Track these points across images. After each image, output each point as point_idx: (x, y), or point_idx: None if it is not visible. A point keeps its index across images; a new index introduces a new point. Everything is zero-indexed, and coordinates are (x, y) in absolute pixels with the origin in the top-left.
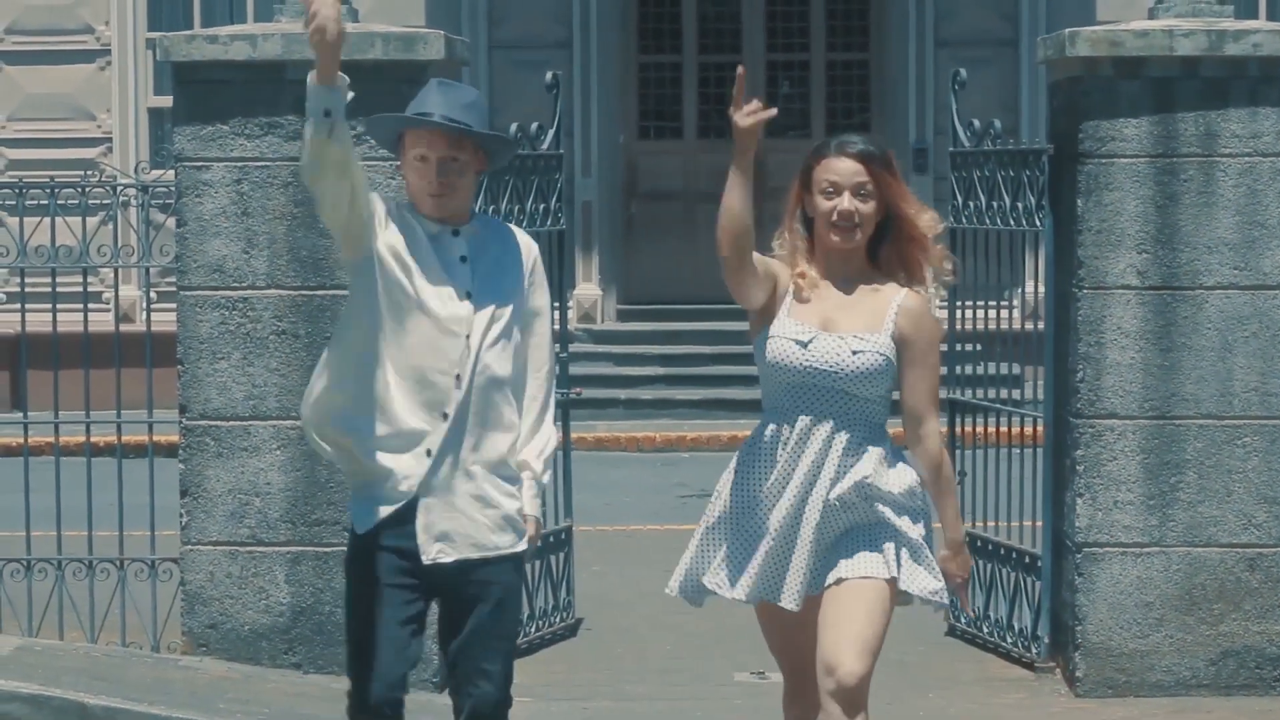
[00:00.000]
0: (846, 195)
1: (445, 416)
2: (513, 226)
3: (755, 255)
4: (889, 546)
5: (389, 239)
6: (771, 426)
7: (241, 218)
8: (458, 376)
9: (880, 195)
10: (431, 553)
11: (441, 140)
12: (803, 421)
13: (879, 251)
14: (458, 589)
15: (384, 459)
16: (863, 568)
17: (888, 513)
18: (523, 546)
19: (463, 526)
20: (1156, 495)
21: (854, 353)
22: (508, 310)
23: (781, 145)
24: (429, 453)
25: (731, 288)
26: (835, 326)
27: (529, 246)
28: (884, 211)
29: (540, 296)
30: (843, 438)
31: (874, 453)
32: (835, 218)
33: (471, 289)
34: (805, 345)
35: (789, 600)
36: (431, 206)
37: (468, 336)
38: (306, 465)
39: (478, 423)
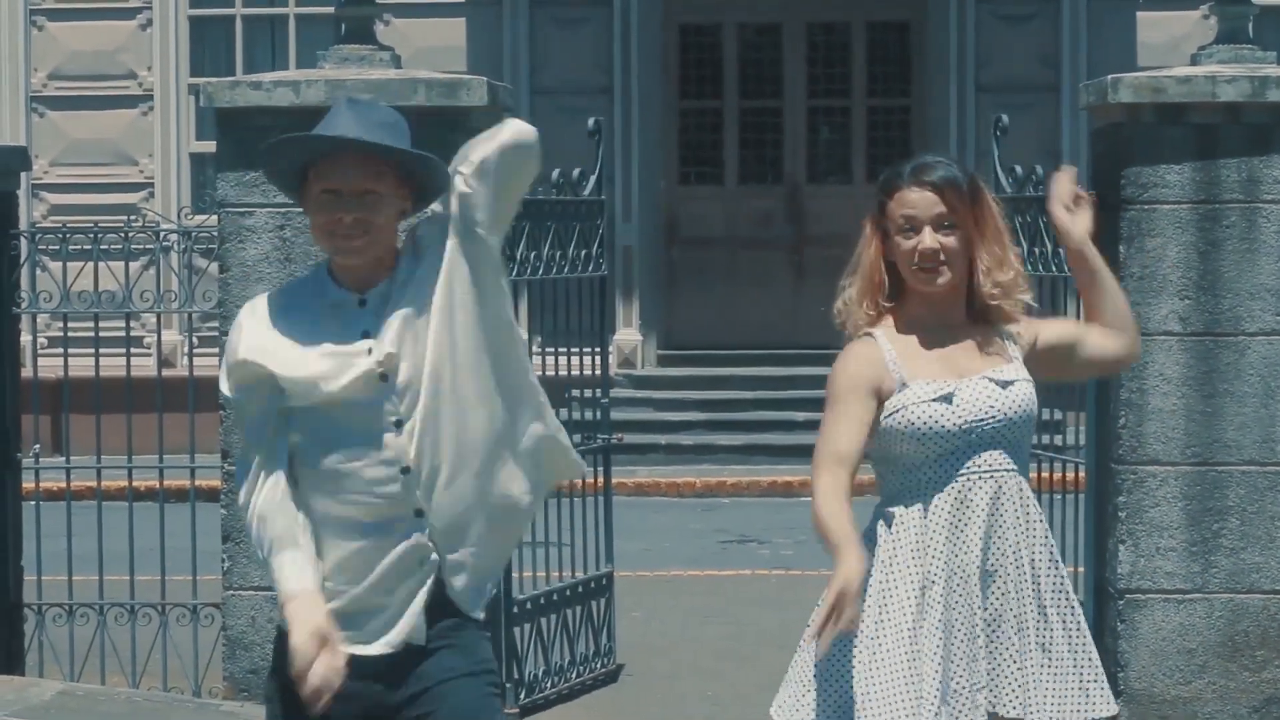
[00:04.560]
0: (927, 231)
1: None
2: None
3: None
4: None
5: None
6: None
7: (284, 263)
8: None
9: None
10: None
11: (356, 169)
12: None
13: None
14: None
15: None
16: None
17: None
18: None
19: None
20: (1199, 542)
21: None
22: None
23: (821, 191)
24: None
25: None
26: (969, 370)
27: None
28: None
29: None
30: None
31: None
32: (917, 259)
33: None
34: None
35: None
36: (344, 255)
37: None
38: None
39: None
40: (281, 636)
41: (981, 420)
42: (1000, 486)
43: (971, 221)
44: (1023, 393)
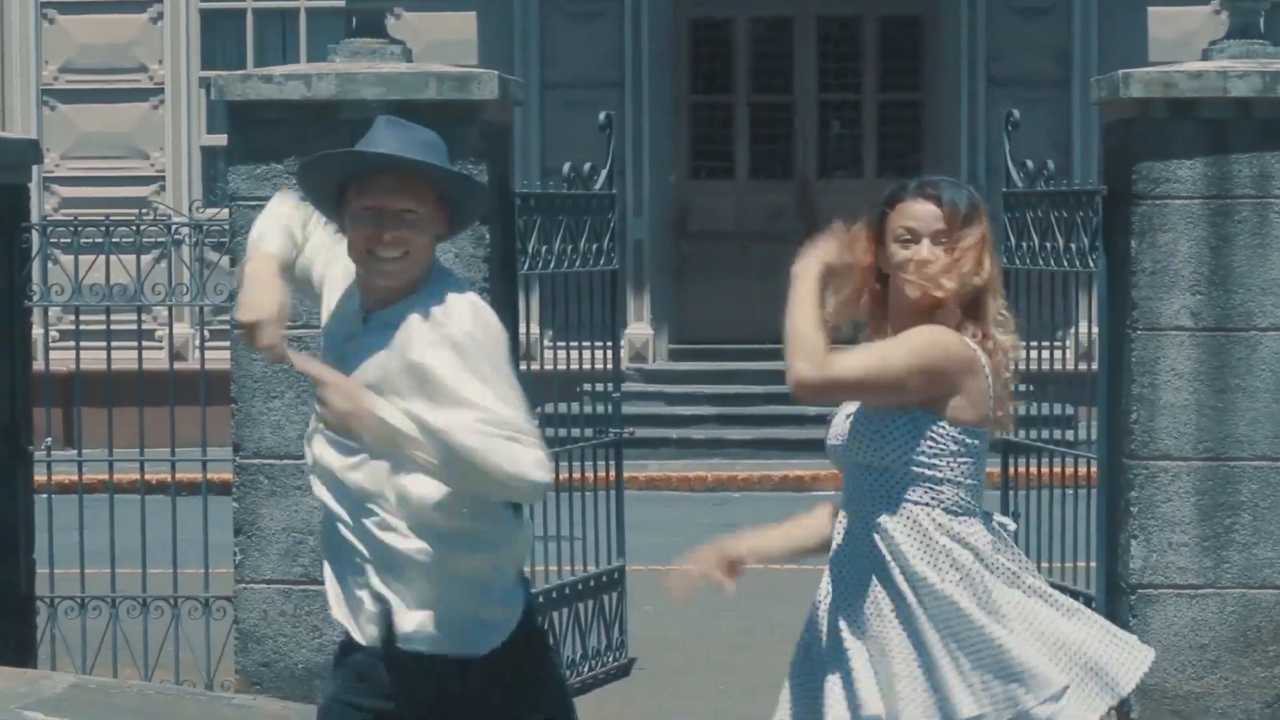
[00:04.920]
0: (925, 243)
1: None
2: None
3: None
4: None
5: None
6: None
7: None
8: None
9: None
10: None
11: (398, 187)
12: None
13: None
14: None
15: None
16: None
17: None
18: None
19: None
20: (1211, 537)
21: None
22: None
23: (832, 186)
24: None
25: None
26: None
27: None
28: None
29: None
30: None
31: None
32: (913, 268)
33: None
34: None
35: None
36: (380, 277)
37: None
38: None
39: None
40: (341, 647)
41: (832, 442)
42: (845, 512)
43: (953, 249)
44: (861, 417)
